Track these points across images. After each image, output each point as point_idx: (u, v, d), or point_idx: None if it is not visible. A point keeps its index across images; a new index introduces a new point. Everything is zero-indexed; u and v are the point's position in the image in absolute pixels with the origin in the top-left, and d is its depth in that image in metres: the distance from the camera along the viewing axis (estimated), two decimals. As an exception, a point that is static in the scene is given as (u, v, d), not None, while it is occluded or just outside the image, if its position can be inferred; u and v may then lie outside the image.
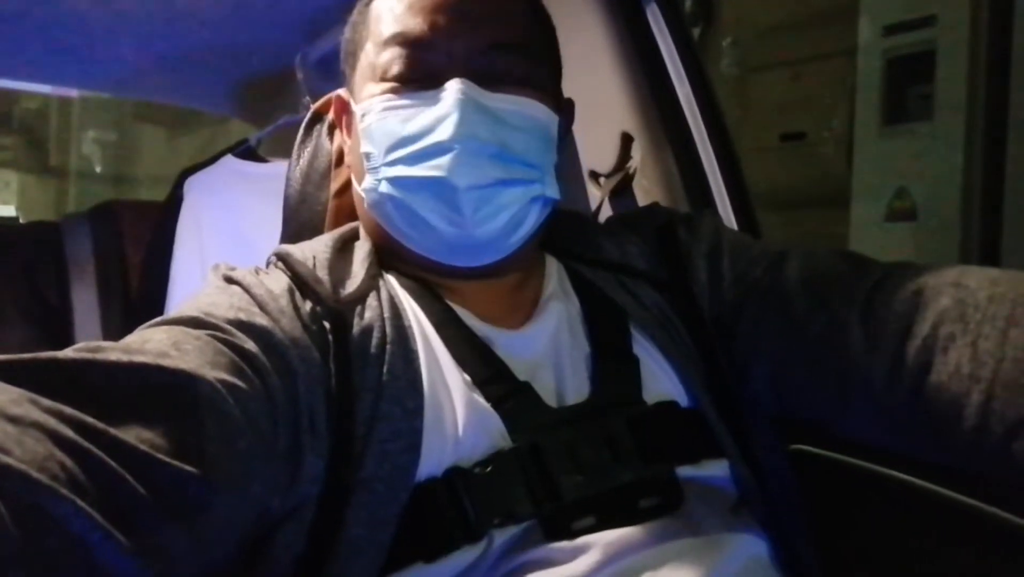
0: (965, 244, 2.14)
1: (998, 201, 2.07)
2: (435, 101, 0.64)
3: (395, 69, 0.67)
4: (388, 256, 0.71)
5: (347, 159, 0.77)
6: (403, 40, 0.66)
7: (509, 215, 0.66)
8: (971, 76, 2.11)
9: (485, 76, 0.65)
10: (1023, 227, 2.03)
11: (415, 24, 0.66)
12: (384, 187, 0.67)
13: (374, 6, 0.71)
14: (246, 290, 0.61)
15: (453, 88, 0.63)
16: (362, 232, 0.75)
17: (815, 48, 2.60)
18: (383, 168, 0.67)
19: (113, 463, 0.42)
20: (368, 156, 0.68)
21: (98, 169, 5.67)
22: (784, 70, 2.69)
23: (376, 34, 0.69)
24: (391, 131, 0.66)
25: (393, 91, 0.67)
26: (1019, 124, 2.04)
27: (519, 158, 0.66)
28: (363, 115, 0.69)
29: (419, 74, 0.66)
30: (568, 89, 0.76)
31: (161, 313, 1.23)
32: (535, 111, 0.67)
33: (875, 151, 2.34)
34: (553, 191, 0.69)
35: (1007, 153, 2.06)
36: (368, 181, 0.68)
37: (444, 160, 0.63)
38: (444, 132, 0.63)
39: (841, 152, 2.51)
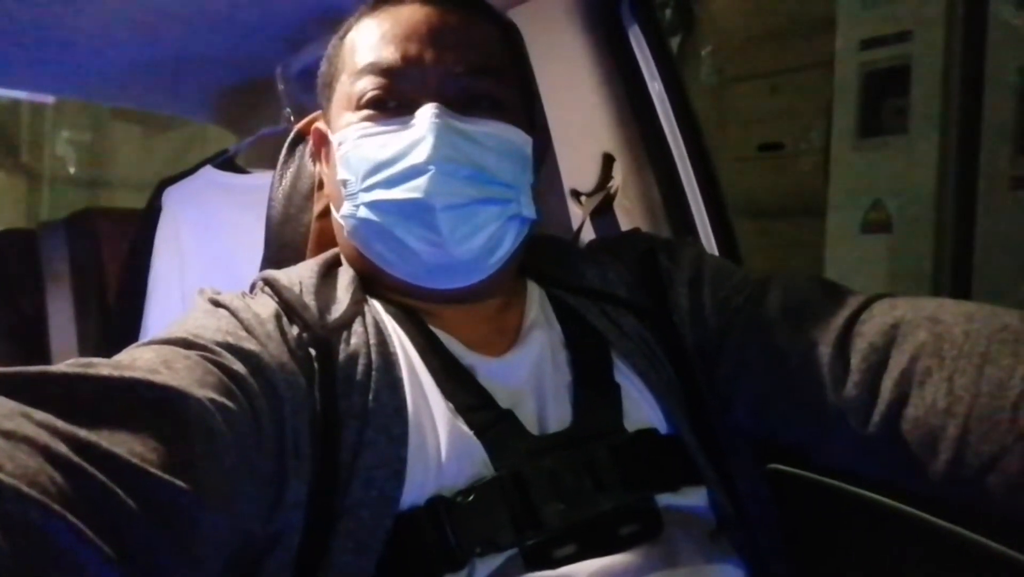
0: (938, 256, 2.18)
1: (971, 214, 2.11)
2: (410, 126, 0.65)
3: (370, 97, 0.68)
4: (370, 283, 0.71)
5: (326, 188, 0.77)
6: (377, 69, 0.68)
7: (487, 235, 0.67)
8: (945, 91, 2.15)
9: (458, 101, 0.66)
10: (995, 239, 2.07)
11: (388, 53, 0.68)
12: (362, 212, 0.67)
13: (348, 38, 0.72)
14: (233, 314, 0.62)
15: (427, 112, 0.64)
16: (343, 259, 0.75)
17: (793, 60, 2.62)
18: (360, 194, 0.67)
19: (104, 477, 0.42)
20: (345, 183, 0.69)
21: (72, 170, 5.55)
22: (762, 81, 2.71)
23: (351, 65, 0.70)
24: (367, 157, 0.66)
25: (368, 118, 0.68)
26: (991, 138, 2.08)
27: (494, 178, 0.66)
28: (340, 143, 0.70)
29: (393, 101, 0.67)
30: (550, 109, 0.77)
31: (138, 325, 1.24)
32: (509, 133, 0.68)
33: (851, 163, 2.37)
34: (529, 211, 0.70)
35: (979, 167, 2.10)
36: (346, 208, 0.69)
37: (420, 182, 0.64)
38: (419, 155, 0.64)
39: (818, 163, 2.53)
